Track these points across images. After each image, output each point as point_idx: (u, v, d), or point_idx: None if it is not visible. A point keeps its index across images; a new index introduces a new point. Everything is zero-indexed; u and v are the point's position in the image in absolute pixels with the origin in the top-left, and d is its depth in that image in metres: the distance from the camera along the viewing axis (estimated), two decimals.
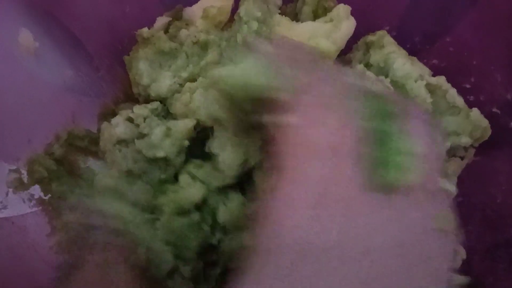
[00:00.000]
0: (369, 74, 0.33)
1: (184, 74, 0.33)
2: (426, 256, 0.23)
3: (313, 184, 0.22)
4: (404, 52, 0.34)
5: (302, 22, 0.36)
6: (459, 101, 0.33)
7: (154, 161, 0.31)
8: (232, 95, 0.25)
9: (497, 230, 0.33)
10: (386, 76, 0.33)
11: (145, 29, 0.32)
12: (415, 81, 0.33)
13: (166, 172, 0.31)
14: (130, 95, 0.36)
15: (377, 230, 0.22)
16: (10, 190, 0.32)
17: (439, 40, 0.35)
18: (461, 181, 0.34)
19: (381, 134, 0.23)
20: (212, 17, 0.35)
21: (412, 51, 0.36)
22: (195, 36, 0.34)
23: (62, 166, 0.35)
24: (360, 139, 0.23)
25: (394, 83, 0.33)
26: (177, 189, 0.30)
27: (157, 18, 0.36)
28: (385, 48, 0.34)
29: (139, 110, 0.31)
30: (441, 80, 0.33)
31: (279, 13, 0.36)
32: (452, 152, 0.34)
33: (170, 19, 0.36)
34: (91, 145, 0.35)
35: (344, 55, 0.37)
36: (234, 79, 0.25)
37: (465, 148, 0.34)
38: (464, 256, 0.33)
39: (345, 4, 0.34)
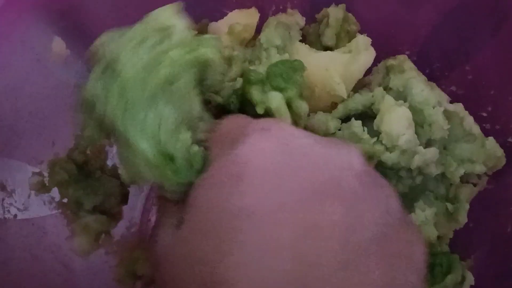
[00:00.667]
0: None
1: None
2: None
3: None
4: (423, 77, 0.35)
5: (324, 44, 0.37)
6: (476, 129, 0.34)
7: None
8: None
9: (505, 259, 0.34)
10: (405, 101, 0.33)
11: None
12: (433, 107, 0.33)
13: None
14: None
15: None
16: (32, 192, 0.33)
17: (458, 68, 0.35)
18: (472, 208, 0.34)
19: None
20: (237, 34, 0.36)
21: (431, 77, 0.36)
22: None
23: (82, 170, 0.35)
24: None
25: (412, 108, 0.33)
26: None
27: None
28: (405, 73, 0.35)
29: None
30: (458, 107, 0.34)
31: (302, 35, 0.37)
32: (465, 179, 0.35)
33: (196, 33, 0.37)
34: None
35: (363, 77, 0.37)
36: None
37: (479, 176, 0.35)
38: (472, 283, 0.33)
39: (368, 27, 0.36)
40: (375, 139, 0.31)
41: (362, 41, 0.34)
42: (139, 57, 0.24)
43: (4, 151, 0.31)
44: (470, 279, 0.33)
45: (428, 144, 0.32)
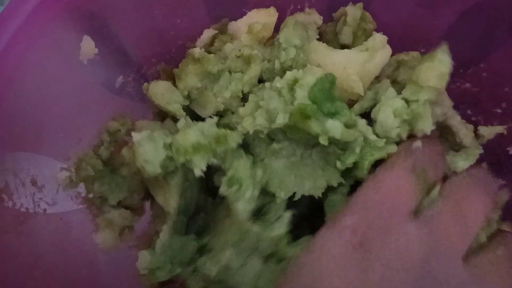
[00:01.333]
0: None
1: (227, 94, 0.34)
2: None
3: None
4: None
5: (341, 42, 0.37)
6: (466, 141, 0.35)
7: None
8: None
9: None
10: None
11: (197, 49, 0.34)
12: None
13: None
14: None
15: None
16: (60, 187, 0.34)
17: (473, 65, 0.36)
18: None
19: None
20: (256, 33, 0.37)
21: None
22: (240, 50, 0.36)
23: (107, 166, 0.36)
24: None
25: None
26: None
27: (204, 31, 0.38)
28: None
29: None
30: (455, 120, 0.35)
31: (319, 33, 0.37)
32: None
33: (216, 32, 0.38)
34: None
35: None
36: None
37: None
38: None
39: (385, 26, 0.36)
40: (383, 140, 0.30)
41: (379, 39, 0.34)
42: None
43: (33, 147, 0.32)
44: None
45: None
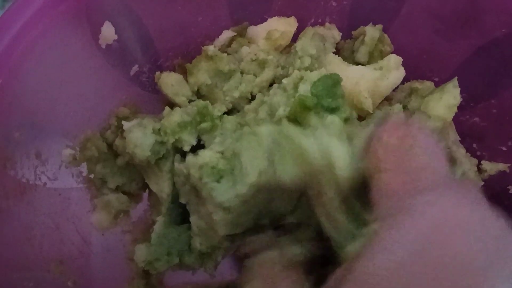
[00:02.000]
0: None
1: (236, 94, 0.35)
2: None
3: None
4: None
5: (357, 60, 0.38)
6: (469, 175, 0.35)
7: None
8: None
9: None
10: None
11: (211, 47, 0.35)
12: None
13: None
14: None
15: None
16: (63, 164, 0.35)
17: (484, 101, 0.36)
18: None
19: None
20: (274, 40, 0.37)
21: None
22: (255, 54, 0.36)
23: (111, 150, 0.37)
24: None
25: None
26: None
27: (223, 31, 0.38)
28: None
29: None
30: (459, 153, 0.35)
31: (336, 49, 0.38)
32: None
33: (235, 34, 0.39)
34: None
35: None
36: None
37: None
38: None
39: (401, 50, 0.37)
40: None
41: (394, 60, 0.35)
42: None
43: (43, 122, 0.33)
44: None
45: None
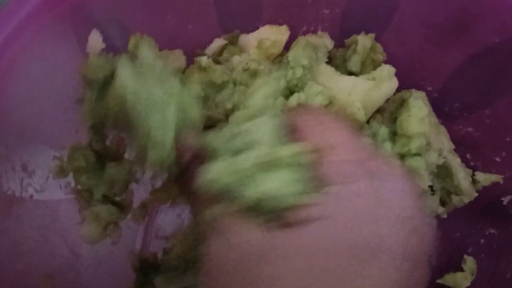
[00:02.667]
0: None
1: (229, 106, 0.35)
2: None
3: None
4: (433, 119, 0.35)
5: (349, 69, 0.37)
6: (464, 185, 0.35)
7: None
8: None
9: None
10: None
11: (204, 58, 0.34)
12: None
13: None
14: None
15: None
16: (51, 175, 0.34)
17: (477, 110, 0.36)
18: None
19: None
20: (266, 49, 0.37)
21: (450, 116, 0.37)
22: (247, 64, 0.36)
23: (99, 160, 0.37)
24: None
25: None
26: None
27: (214, 40, 0.38)
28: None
29: None
30: (454, 161, 0.35)
31: (329, 57, 0.38)
32: None
33: (226, 42, 0.38)
34: None
35: None
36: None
37: None
38: None
39: (394, 59, 0.36)
40: None
41: (387, 70, 0.34)
42: None
43: (30, 134, 0.32)
44: None
45: None
